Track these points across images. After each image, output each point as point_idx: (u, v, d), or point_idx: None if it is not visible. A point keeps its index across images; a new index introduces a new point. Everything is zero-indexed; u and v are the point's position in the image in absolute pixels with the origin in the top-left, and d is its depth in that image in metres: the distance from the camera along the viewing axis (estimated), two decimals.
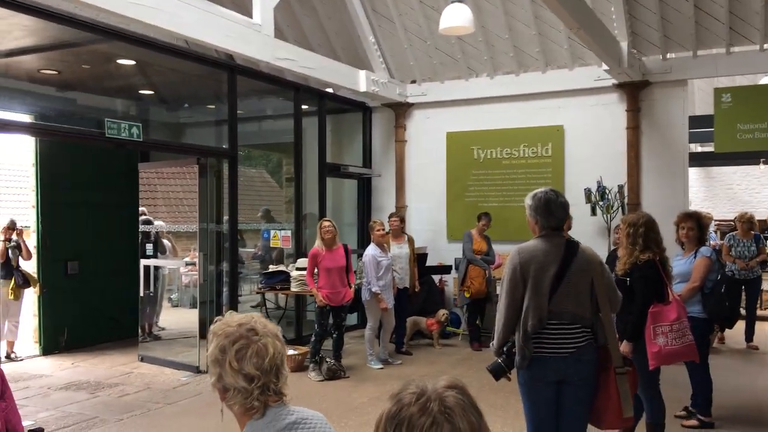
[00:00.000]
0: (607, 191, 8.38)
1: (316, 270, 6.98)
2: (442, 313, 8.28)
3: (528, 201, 3.39)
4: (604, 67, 7.79)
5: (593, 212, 8.36)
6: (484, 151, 9.25)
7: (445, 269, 9.06)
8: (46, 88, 8.41)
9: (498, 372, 3.36)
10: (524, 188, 8.95)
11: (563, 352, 3.22)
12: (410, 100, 9.66)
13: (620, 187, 8.33)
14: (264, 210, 9.48)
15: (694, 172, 15.38)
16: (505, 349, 3.36)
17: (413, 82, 9.66)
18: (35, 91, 8.31)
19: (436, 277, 9.23)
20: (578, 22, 5.99)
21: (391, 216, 8.14)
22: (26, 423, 4.22)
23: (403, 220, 8.43)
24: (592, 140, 8.62)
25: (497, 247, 8.50)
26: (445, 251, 9.24)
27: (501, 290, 3.35)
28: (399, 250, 7.81)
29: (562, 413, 3.31)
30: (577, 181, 8.50)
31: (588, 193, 8.40)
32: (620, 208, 8.26)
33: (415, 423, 1.10)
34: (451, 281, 9.30)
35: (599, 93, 8.55)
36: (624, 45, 7.64)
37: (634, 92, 8.30)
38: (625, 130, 8.38)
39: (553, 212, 3.31)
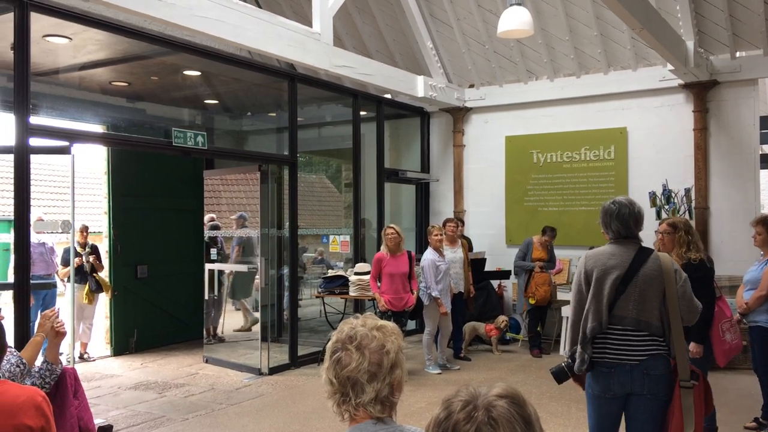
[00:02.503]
0: (672, 195, 8.13)
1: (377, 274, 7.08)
2: (502, 320, 8.20)
3: (601, 208, 3.42)
4: (670, 67, 7.57)
5: (658, 216, 8.11)
6: (544, 155, 9.12)
7: (503, 274, 8.96)
8: (117, 100, 8.80)
9: (560, 375, 3.33)
10: (585, 192, 8.80)
11: (628, 360, 3.15)
12: (468, 104, 9.62)
13: (687, 191, 8.06)
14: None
15: (765, 175, 14.70)
16: (570, 352, 3.34)
17: (471, 86, 9.62)
18: (107, 102, 8.71)
19: (494, 283, 9.15)
20: (641, 23, 5.84)
21: (447, 222, 8.09)
22: (97, 421, 4.42)
23: (458, 225, 8.36)
24: (657, 142, 8.38)
25: (557, 252, 8.38)
26: (503, 256, 9.15)
27: (571, 295, 3.41)
28: (453, 254, 7.77)
29: (630, 426, 3.24)
30: (642, 185, 8.28)
31: (653, 196, 8.17)
32: (687, 212, 8.00)
33: (460, 430, 1.10)
34: (510, 286, 9.20)
35: (664, 94, 8.30)
36: (690, 44, 7.40)
37: (702, 92, 8.02)
38: (692, 132, 8.11)
39: (608, 223, 3.32)
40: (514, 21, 6.37)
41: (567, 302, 7.96)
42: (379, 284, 7.10)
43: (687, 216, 7.88)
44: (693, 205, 8.06)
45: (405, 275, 7.08)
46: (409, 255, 7.21)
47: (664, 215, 8.09)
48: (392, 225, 7.39)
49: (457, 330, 7.94)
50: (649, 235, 3.42)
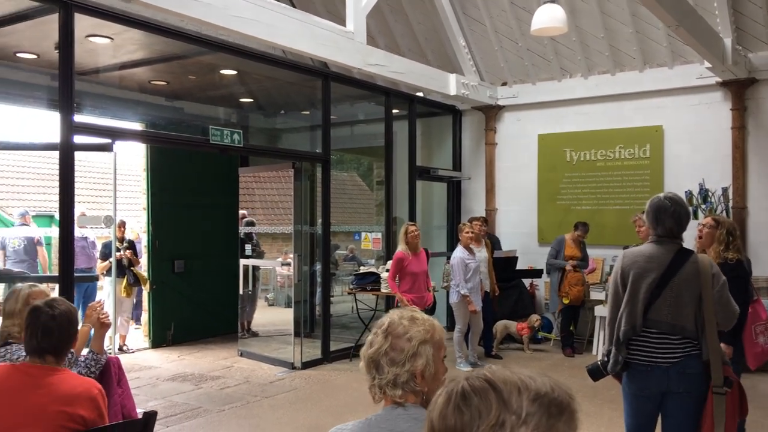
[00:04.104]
0: (710, 194, 8.01)
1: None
2: (535, 318, 8.17)
3: (650, 205, 3.32)
4: (707, 64, 7.46)
5: (695, 216, 8.00)
6: (578, 153, 9.05)
7: (535, 273, 8.93)
8: (156, 98, 9.00)
9: (596, 373, 3.34)
10: (620, 191, 8.72)
11: (664, 362, 3.13)
12: (501, 102, 9.60)
13: (724, 190, 7.94)
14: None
15: None
16: (605, 351, 3.34)
17: (504, 84, 9.59)
18: (146, 101, 8.92)
19: (526, 281, 9.12)
20: (677, 20, 5.78)
21: (474, 220, 8.07)
22: (138, 410, 4.55)
23: (485, 223, 8.32)
24: (693, 141, 8.26)
25: (590, 252, 8.31)
26: (535, 255, 9.11)
27: (608, 294, 3.39)
28: (479, 253, 7.76)
29: (666, 425, 3.23)
30: (678, 184, 8.16)
31: (689, 196, 8.06)
32: (724, 212, 7.87)
33: (441, 414, 1.07)
34: (542, 285, 9.16)
35: (701, 92, 8.18)
36: (728, 41, 7.28)
37: (740, 90, 7.88)
38: (730, 131, 7.98)
39: (661, 220, 3.22)
40: (548, 18, 6.35)
41: (600, 302, 7.94)
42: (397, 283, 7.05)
43: (725, 216, 7.75)
44: (730, 204, 7.93)
45: (425, 273, 7.13)
46: (426, 252, 7.23)
47: (701, 215, 7.97)
48: (413, 222, 7.41)
49: (486, 329, 7.95)
50: (687, 235, 3.37)
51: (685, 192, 8.07)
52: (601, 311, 7.69)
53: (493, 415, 1.01)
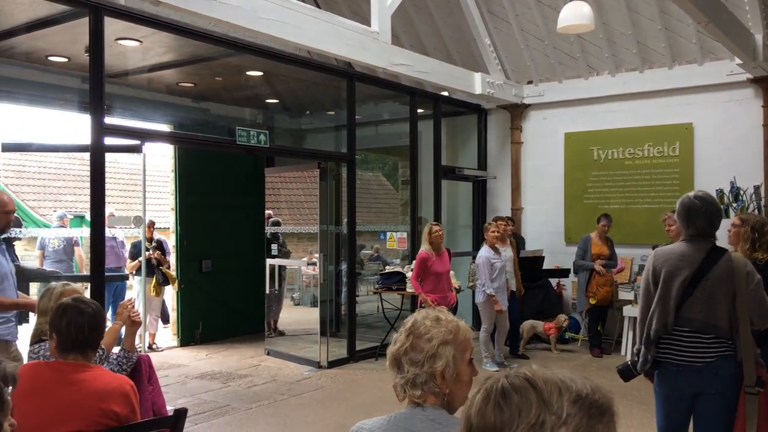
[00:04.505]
0: (741, 192, 7.87)
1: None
2: (563, 318, 8.10)
3: (681, 205, 3.28)
4: (737, 61, 7.32)
5: (726, 215, 7.86)
6: (605, 152, 8.95)
7: (562, 273, 8.85)
8: (183, 100, 9.11)
9: (626, 373, 3.30)
10: (649, 189, 8.61)
11: (696, 361, 3.09)
12: (527, 101, 9.54)
13: (756, 188, 7.79)
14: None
15: None
16: (635, 349, 3.30)
17: (530, 82, 9.53)
18: (174, 102, 9.03)
19: (553, 281, 9.05)
20: (707, 16, 5.69)
21: (499, 219, 8.02)
22: (168, 407, 4.61)
23: (508, 223, 8.26)
24: (724, 138, 8.11)
25: (619, 251, 8.22)
26: (562, 254, 9.03)
27: (639, 291, 3.35)
28: (504, 253, 7.71)
29: (698, 426, 3.19)
30: (708, 182, 8.01)
31: (720, 194, 7.91)
32: (756, 210, 7.72)
33: (480, 411, 1.06)
34: (569, 285, 9.08)
35: (732, 88, 8.03)
36: (759, 37, 7.14)
37: None
38: (762, 128, 7.82)
39: (692, 219, 3.17)
40: (575, 15, 6.28)
41: (629, 302, 7.85)
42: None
43: (756, 214, 7.61)
44: (762, 203, 7.78)
45: (448, 273, 7.11)
46: (449, 252, 7.22)
47: (732, 214, 7.83)
48: (436, 222, 7.39)
49: (513, 329, 7.90)
50: (721, 234, 3.31)
51: (716, 190, 7.92)
52: (630, 311, 7.60)
53: (533, 414, 1.00)
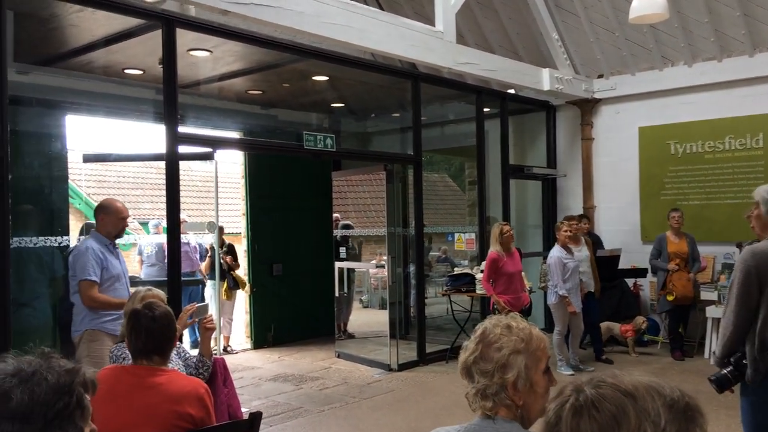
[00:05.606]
0: None
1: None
2: (641, 320, 7.79)
3: (764, 194, 3.06)
4: None
5: None
6: (683, 146, 8.57)
7: (639, 272, 8.51)
8: (252, 107, 9.30)
9: (723, 383, 3.07)
10: (731, 184, 8.19)
11: None
12: (597, 95, 9.25)
13: None
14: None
15: None
16: (733, 359, 3.05)
17: (600, 76, 9.23)
18: (243, 110, 9.23)
19: (629, 281, 8.72)
20: None
21: (570, 218, 7.78)
22: (243, 409, 4.70)
23: (581, 222, 8.01)
24: None
25: (700, 249, 7.83)
26: (639, 253, 8.69)
27: (730, 295, 3.04)
28: (578, 253, 7.48)
29: None
30: None
31: None
32: None
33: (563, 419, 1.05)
34: (647, 285, 8.73)
35: None
36: None
37: None
38: None
39: None
40: (648, 5, 6.03)
41: (712, 302, 7.47)
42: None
43: None
44: None
45: (520, 273, 6.99)
46: (519, 252, 7.09)
47: None
48: (506, 222, 7.25)
49: (595, 331, 7.66)
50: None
51: None
52: (714, 312, 7.24)
53: (633, 424, 0.97)
